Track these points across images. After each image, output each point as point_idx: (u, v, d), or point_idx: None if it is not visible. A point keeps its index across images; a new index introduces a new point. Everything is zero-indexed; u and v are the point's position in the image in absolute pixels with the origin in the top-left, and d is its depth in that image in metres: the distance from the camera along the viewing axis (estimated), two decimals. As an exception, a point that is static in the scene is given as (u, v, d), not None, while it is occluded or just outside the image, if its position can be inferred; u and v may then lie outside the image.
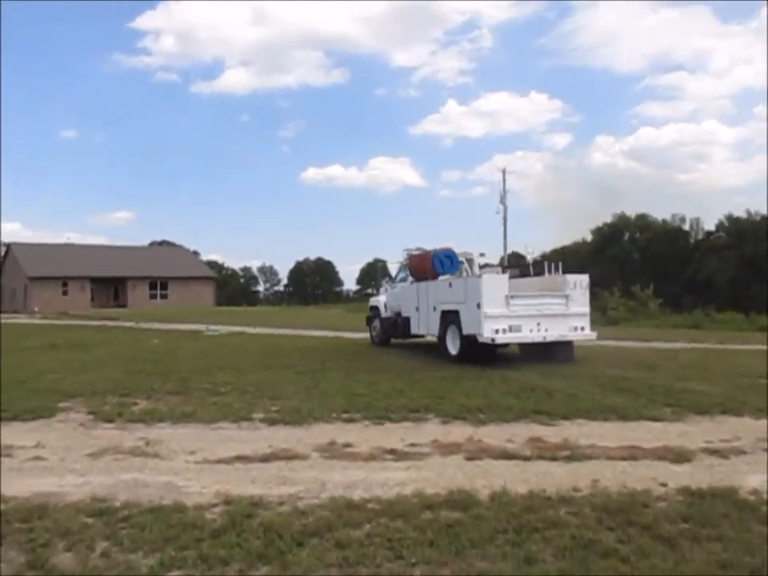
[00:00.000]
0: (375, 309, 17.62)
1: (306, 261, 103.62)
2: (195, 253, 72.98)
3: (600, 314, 32.49)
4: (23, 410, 7.81)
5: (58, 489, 4.91)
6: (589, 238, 71.71)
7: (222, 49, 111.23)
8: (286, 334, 22.07)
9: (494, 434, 6.66)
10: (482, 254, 16.20)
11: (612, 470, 5.39)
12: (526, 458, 5.73)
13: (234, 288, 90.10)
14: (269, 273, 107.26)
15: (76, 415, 7.74)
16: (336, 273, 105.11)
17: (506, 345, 13.01)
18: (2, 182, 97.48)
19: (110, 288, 55.36)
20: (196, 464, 5.63)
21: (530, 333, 12.27)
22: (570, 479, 5.08)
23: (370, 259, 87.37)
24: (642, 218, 68.53)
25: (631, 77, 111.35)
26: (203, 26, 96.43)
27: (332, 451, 5.99)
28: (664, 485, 4.94)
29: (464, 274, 14.82)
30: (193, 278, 58.32)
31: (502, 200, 45.94)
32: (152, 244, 74.35)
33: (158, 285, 56.23)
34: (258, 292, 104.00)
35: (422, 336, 15.36)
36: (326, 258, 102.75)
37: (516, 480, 5.04)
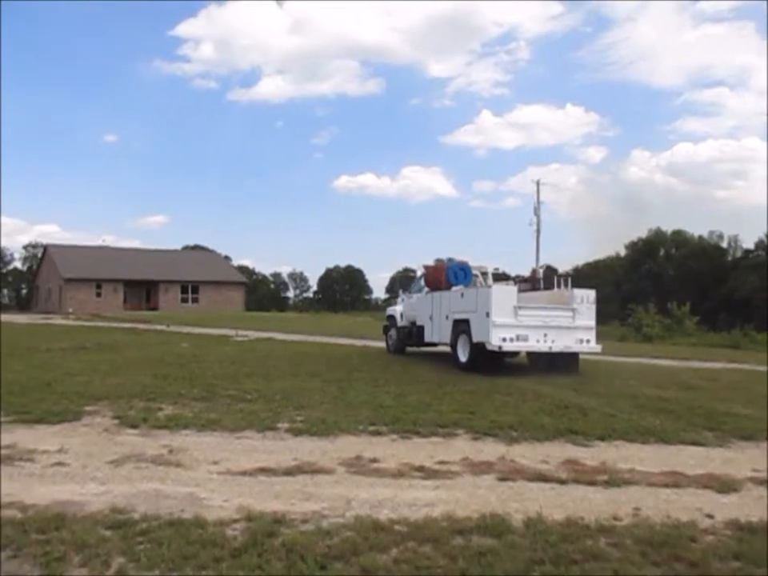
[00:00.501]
0: (392, 318, 18.15)
1: (336, 268, 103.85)
2: (227, 258, 73.67)
3: (635, 330, 31.89)
4: (49, 413, 7.77)
5: (78, 497, 4.79)
6: (623, 252, 70.63)
7: (260, 57, 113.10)
8: (313, 341, 21.98)
9: (527, 454, 6.40)
10: (496, 269, 16.70)
11: (654, 497, 5.09)
12: (562, 482, 5.46)
13: (263, 293, 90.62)
14: (299, 279, 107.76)
15: (101, 420, 7.67)
16: (365, 281, 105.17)
17: (513, 354, 13.87)
18: (43, 183, 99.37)
19: (142, 291, 56.06)
20: (219, 475, 5.47)
21: (537, 343, 12.79)
22: (609, 506, 4.80)
23: (399, 268, 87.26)
24: (679, 233, 67.29)
25: (670, 92, 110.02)
26: (242, 34, 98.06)
27: (358, 466, 5.79)
28: (710, 516, 4.63)
29: (477, 285, 15.23)
30: (223, 283, 58.80)
31: (536, 211, 45.27)
32: (185, 248, 75.13)
33: (190, 289, 56.78)
34: (287, 298, 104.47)
35: (435, 344, 15.82)
36: (356, 265, 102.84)
37: (551, 505, 4.78)
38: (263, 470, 5.58)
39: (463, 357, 13.48)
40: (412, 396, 9.62)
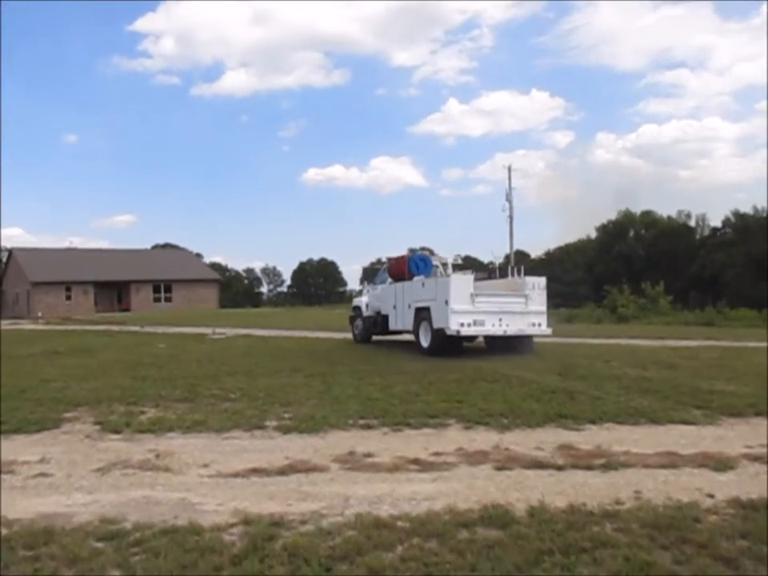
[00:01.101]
0: (357, 309, 18.88)
1: (309, 261, 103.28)
2: (198, 255, 72.76)
3: (610, 311, 32.27)
4: (27, 422, 7.50)
5: (64, 509, 4.59)
6: (593, 235, 71.35)
7: (222, 50, 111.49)
8: (291, 335, 21.79)
9: (520, 441, 6.35)
10: (456, 257, 18.13)
11: (653, 479, 5.07)
12: (559, 468, 5.41)
13: (237, 290, 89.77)
14: (272, 274, 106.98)
15: (82, 426, 7.43)
16: (339, 273, 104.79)
17: (471, 338, 15.06)
18: (3, 187, 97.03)
19: (113, 292, 55.10)
20: (210, 478, 5.31)
21: (492, 327, 13.84)
22: (609, 491, 4.76)
23: (372, 259, 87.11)
24: (647, 214, 68.13)
25: (632, 74, 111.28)
26: (203, 27, 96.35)
27: (352, 462, 5.68)
28: (711, 496, 4.63)
29: (438, 275, 15.96)
30: (196, 281, 58.09)
31: (508, 197, 45.32)
32: (155, 247, 74.04)
33: (162, 288, 55.97)
34: (261, 293, 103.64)
35: (400, 332, 16.73)
36: (329, 258, 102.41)
37: (552, 492, 4.72)
38: (255, 471, 5.43)
39: (425, 342, 14.39)
40: (398, 387, 9.53)
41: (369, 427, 7.08)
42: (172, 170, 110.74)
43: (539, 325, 14.29)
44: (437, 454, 5.90)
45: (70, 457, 6.08)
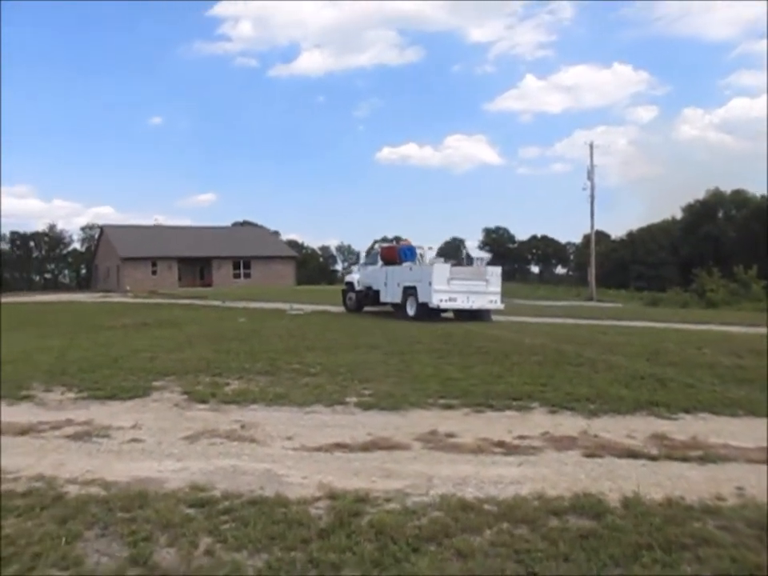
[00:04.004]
0: (350, 284, 22.97)
1: (383, 240, 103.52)
2: (276, 233, 74.23)
3: (698, 296, 30.74)
4: (120, 389, 7.84)
5: (156, 474, 4.75)
6: (679, 215, 68.00)
7: (298, 32, 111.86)
8: (367, 311, 21.94)
9: (610, 428, 6.10)
10: (430, 248, 22.16)
11: (756, 475, 4.72)
12: (653, 458, 5.15)
13: (313, 267, 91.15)
14: (347, 252, 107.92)
15: (170, 395, 7.69)
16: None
17: (446, 310, 18.84)
18: (97, 167, 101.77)
19: (196, 267, 57.09)
20: (294, 451, 5.37)
21: (462, 303, 18.47)
22: (709, 485, 4.48)
23: (447, 238, 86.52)
24: (738, 194, 64.17)
25: (723, 45, 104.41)
26: (279, 10, 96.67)
27: (435, 441, 5.60)
28: (824, 496, 4.27)
29: (417, 262, 20.49)
30: (274, 258, 59.34)
31: (589, 175, 43.66)
32: (235, 224, 76.04)
33: (242, 264, 57.51)
34: (336, 271, 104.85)
35: (386, 304, 20.87)
36: (403, 236, 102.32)
37: (647, 483, 4.49)
38: (339, 446, 5.45)
39: (411, 312, 18.91)
40: (478, 367, 9.37)
41: (449, 407, 6.98)
42: (251, 150, 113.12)
43: (495, 301, 18.89)
44: (521, 437, 5.74)
45: (160, 424, 6.30)
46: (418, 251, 21.04)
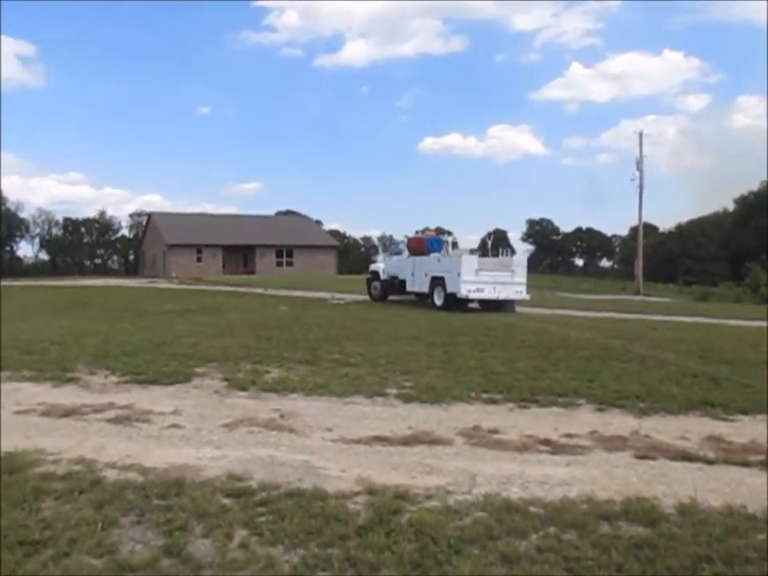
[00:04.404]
0: (375, 273, 23.59)
1: (426, 230, 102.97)
2: (318, 222, 74.57)
3: (751, 291, 29.59)
4: (162, 374, 7.88)
5: (194, 461, 4.69)
6: (731, 207, 65.59)
7: (343, 21, 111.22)
8: (408, 299, 21.82)
9: (662, 428, 5.82)
10: (454, 242, 21.71)
11: (825, 483, 4.41)
12: (710, 462, 4.86)
13: (355, 257, 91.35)
14: (388, 242, 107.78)
15: (211, 381, 7.68)
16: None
17: (473, 300, 19.19)
18: (146, 155, 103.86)
19: (239, 255, 57.74)
20: (333, 442, 5.26)
21: (489, 293, 18.83)
22: (773, 493, 4.19)
23: (490, 229, 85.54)
24: (796, 185, 61.38)
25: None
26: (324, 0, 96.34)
27: (478, 437, 5.42)
28: None
29: (444, 252, 20.77)
30: (316, 247, 59.61)
31: (638, 165, 42.31)
32: (278, 213, 76.63)
33: (284, 253, 57.94)
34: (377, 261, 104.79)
35: (412, 293, 21.29)
36: (445, 227, 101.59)
37: (704, 489, 4.23)
38: (378, 439, 5.32)
39: (439, 301, 19.37)
40: (522, 361, 9.13)
41: (493, 402, 6.78)
42: (295, 140, 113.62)
43: (520, 292, 19.30)
44: (568, 435, 5.51)
45: (200, 411, 6.27)
46: (445, 241, 21.38)
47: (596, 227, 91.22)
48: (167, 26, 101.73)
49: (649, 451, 5.06)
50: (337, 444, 5.22)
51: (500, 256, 20.61)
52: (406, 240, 22.98)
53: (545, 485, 4.31)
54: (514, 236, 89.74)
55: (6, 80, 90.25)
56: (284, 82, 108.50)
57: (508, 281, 18.97)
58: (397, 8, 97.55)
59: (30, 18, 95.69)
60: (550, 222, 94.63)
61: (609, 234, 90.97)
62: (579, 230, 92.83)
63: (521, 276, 19.27)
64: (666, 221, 78.29)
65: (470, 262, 18.70)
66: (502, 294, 18.90)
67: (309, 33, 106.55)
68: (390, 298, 22.60)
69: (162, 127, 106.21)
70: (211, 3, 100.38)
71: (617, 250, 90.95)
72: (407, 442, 5.26)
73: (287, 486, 4.16)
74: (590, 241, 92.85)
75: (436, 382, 7.63)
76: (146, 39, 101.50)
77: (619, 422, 6.02)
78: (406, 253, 21.95)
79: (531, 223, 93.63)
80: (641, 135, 42.35)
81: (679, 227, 69.52)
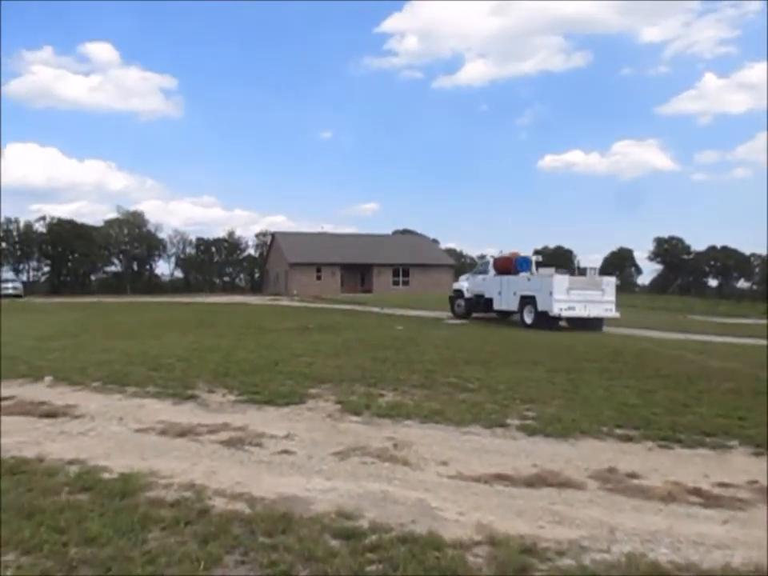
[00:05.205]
0: (459, 291, 24.72)
1: (544, 249, 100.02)
2: (435, 241, 74.46)
3: None
4: (277, 394, 7.82)
5: (304, 493, 4.45)
6: None
7: (461, 42, 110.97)
8: (490, 316, 21.22)
9: (840, 482, 4.90)
10: (539, 260, 22.89)
11: None
12: None
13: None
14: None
15: (324, 404, 7.51)
16: (574, 262, 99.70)
17: (564, 318, 19.69)
18: (272, 179, 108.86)
19: (357, 274, 58.70)
20: (449, 479, 4.85)
21: (580, 311, 19.39)
22: None
23: (614, 248, 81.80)
24: None
25: None
26: (443, 22, 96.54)
27: (614, 482, 4.81)
28: None
29: (530, 271, 21.62)
30: (432, 266, 59.45)
31: (785, 179, 38.77)
32: (395, 233, 77.35)
33: (401, 272, 58.25)
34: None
35: (500, 311, 22.19)
36: (566, 246, 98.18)
37: None
38: (500, 477, 4.85)
39: (528, 320, 20.12)
40: (658, 393, 8.27)
41: (628, 439, 6.08)
42: (414, 161, 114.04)
43: (610, 310, 19.85)
44: (723, 485, 4.76)
45: (312, 435, 6.08)
46: (532, 262, 22.30)
47: (732, 245, 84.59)
48: (294, 54, 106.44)
49: (828, 511, 4.24)
50: (454, 481, 4.80)
51: (588, 274, 21.39)
52: (491, 260, 23.66)
53: (699, 546, 3.67)
54: (641, 255, 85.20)
55: (150, 112, 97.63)
56: (404, 105, 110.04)
57: (598, 299, 19.65)
58: (517, 26, 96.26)
59: (172, 52, 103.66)
60: (680, 240, 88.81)
61: (747, 252, 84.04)
62: (713, 248, 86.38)
63: (610, 294, 19.99)
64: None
65: (562, 281, 19.55)
66: (592, 312, 19.51)
67: (428, 55, 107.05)
68: (474, 315, 23.72)
69: (287, 152, 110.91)
70: (336, 30, 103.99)
71: (756, 269, 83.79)
72: (532, 482, 4.75)
73: (400, 528, 3.80)
74: (725, 260, 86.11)
75: (561, 413, 7.01)
76: (273, 67, 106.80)
77: (784, 471, 5.15)
78: (492, 272, 22.69)
79: (659, 241, 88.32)
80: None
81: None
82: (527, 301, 20.23)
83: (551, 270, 21.20)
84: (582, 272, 21.91)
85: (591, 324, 19.52)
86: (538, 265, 22.55)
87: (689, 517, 4.15)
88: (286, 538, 3.62)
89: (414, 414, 6.96)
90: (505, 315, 22.13)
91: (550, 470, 5.04)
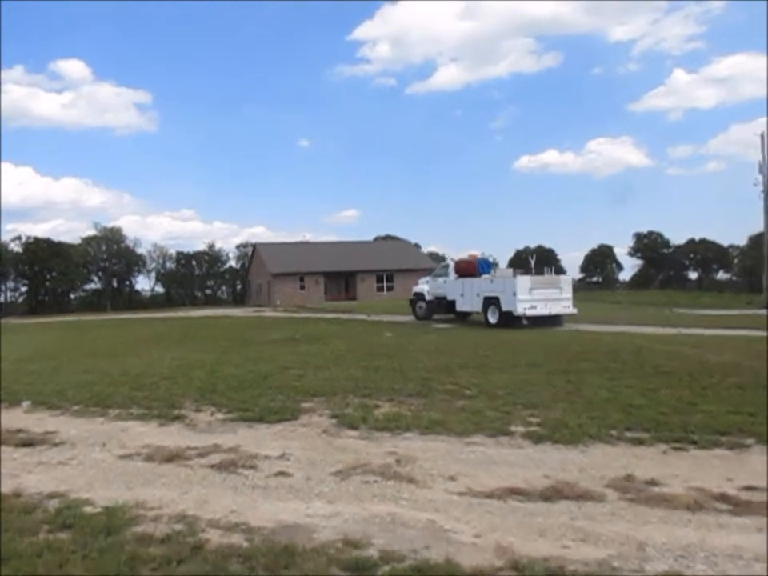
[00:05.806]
0: (420, 294, 25.50)
1: (526, 249, 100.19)
2: (416, 245, 74.23)
3: None
4: (268, 411, 7.46)
5: (305, 519, 4.12)
6: None
7: (433, 47, 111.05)
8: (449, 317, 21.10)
9: None
10: (495, 263, 24.18)
11: None
12: None
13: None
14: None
15: (319, 419, 7.17)
16: (558, 261, 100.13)
17: (526, 317, 20.06)
18: (251, 189, 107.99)
19: (341, 281, 58.28)
20: (460, 496, 4.53)
21: (542, 309, 20.05)
22: None
23: (594, 245, 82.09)
24: None
25: None
26: (414, 28, 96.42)
27: (634, 491, 4.52)
28: None
29: (492, 273, 22.31)
30: (416, 270, 59.13)
31: (761, 169, 38.98)
32: (377, 239, 76.99)
33: (384, 277, 57.95)
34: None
35: (462, 312, 23.11)
36: (546, 245, 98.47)
37: None
38: (513, 492, 4.54)
39: (493, 320, 20.74)
40: (662, 391, 8.03)
41: (640, 442, 5.81)
42: (391, 167, 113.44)
43: (568, 307, 20.63)
44: (749, 488, 4.50)
45: (309, 454, 5.74)
46: (492, 264, 23.37)
47: (710, 237, 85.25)
48: (267, 65, 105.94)
49: None
50: (465, 498, 4.49)
51: (545, 273, 22.29)
52: (451, 263, 24.43)
53: (738, 560, 3.40)
54: (621, 251, 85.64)
55: (125, 127, 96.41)
56: (379, 112, 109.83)
57: (557, 297, 20.41)
58: (487, 29, 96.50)
59: (145, 67, 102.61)
60: (659, 234, 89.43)
61: (725, 244, 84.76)
62: (692, 241, 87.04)
63: (567, 292, 20.86)
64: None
65: (524, 282, 20.26)
66: (553, 309, 20.24)
67: (401, 61, 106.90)
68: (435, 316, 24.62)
69: (264, 162, 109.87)
70: (310, 40, 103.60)
71: (735, 261, 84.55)
72: (548, 496, 4.45)
73: (413, 556, 3.49)
74: (704, 253, 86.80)
75: (566, 417, 6.73)
76: (249, 79, 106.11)
77: (808, 470, 4.91)
78: (453, 275, 23.38)
79: (638, 237, 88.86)
80: (763, 137, 39.05)
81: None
82: (491, 302, 20.92)
83: (510, 271, 22.25)
84: (539, 270, 22.81)
85: (552, 320, 20.30)
86: (496, 266, 23.90)
87: (720, 527, 3.87)
88: (289, 572, 3.29)
89: (413, 426, 6.64)
90: (465, 315, 23.24)
91: (564, 480, 4.75)
